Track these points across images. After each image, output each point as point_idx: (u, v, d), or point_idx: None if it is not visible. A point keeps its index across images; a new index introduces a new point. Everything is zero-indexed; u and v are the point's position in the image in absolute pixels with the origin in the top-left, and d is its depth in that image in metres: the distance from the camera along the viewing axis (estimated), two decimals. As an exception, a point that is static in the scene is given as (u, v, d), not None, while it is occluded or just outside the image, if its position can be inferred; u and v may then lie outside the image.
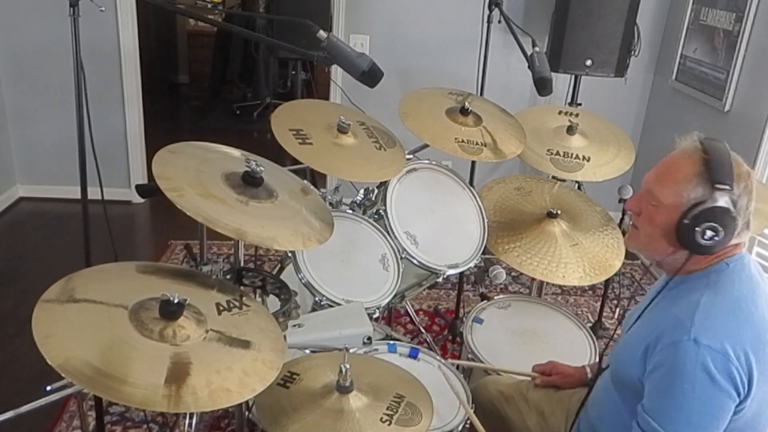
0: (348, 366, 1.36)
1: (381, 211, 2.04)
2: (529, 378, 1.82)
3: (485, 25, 2.77)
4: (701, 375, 1.18)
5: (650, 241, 1.36)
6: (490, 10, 2.71)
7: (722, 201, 1.24)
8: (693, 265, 1.32)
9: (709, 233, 1.25)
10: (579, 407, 1.60)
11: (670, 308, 1.30)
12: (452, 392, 1.70)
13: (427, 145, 2.18)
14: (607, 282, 2.83)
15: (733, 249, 1.30)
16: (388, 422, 1.34)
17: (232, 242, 1.73)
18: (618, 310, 3.31)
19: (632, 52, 3.59)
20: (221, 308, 1.31)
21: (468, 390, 1.74)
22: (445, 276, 2.07)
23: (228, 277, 1.61)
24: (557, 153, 2.33)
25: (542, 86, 2.24)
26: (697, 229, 1.25)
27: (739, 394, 1.21)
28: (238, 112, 6.15)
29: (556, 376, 1.77)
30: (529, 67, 2.28)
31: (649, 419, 1.24)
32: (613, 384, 1.42)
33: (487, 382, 1.86)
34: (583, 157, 2.33)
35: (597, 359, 1.97)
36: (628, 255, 2.23)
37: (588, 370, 1.74)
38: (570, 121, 2.41)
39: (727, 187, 1.24)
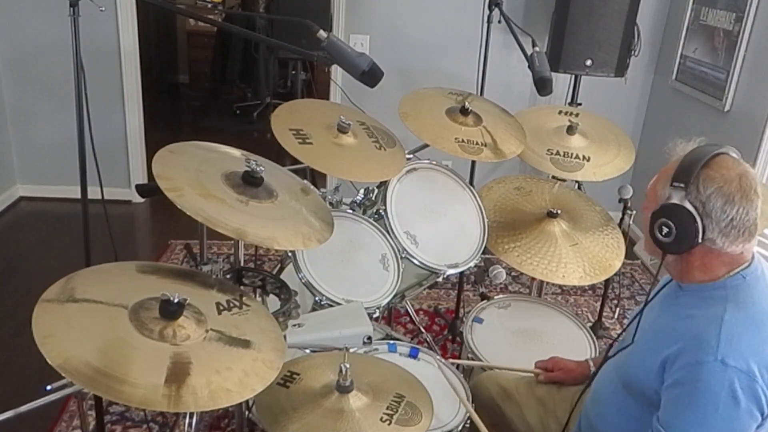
0: (348, 366, 1.36)
1: (381, 210, 2.04)
2: (531, 375, 1.82)
3: (485, 25, 2.77)
4: (726, 396, 1.18)
5: (646, 242, 1.37)
6: (490, 10, 2.71)
7: (675, 198, 1.26)
8: (701, 274, 1.31)
9: (664, 229, 1.28)
10: (576, 401, 1.60)
11: (687, 320, 1.29)
12: (452, 390, 1.70)
13: (427, 145, 2.18)
14: (607, 282, 2.83)
15: (739, 258, 1.29)
16: (388, 422, 1.34)
17: (232, 242, 1.73)
18: (618, 310, 3.31)
19: (632, 52, 3.59)
20: (221, 308, 1.31)
21: (468, 389, 1.74)
22: (445, 276, 2.07)
23: (228, 276, 1.61)
24: (557, 153, 2.33)
25: (542, 86, 2.24)
26: (654, 225, 1.30)
27: (762, 413, 1.21)
28: (238, 112, 6.15)
29: (559, 372, 1.77)
30: (529, 67, 2.28)
31: None
32: (624, 387, 1.41)
33: (486, 378, 1.86)
34: (583, 157, 2.33)
35: (600, 356, 1.97)
36: (628, 255, 2.24)
37: (591, 364, 1.74)
38: (570, 121, 2.41)
39: (680, 185, 1.26)
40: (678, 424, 1.22)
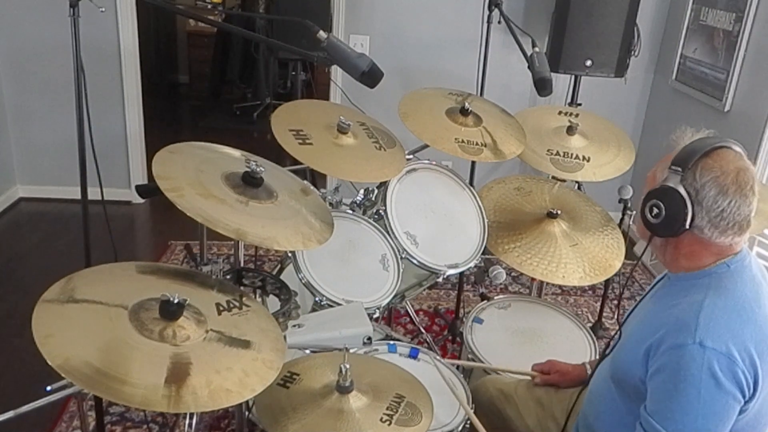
0: (348, 366, 1.36)
1: (381, 211, 2.04)
2: (528, 377, 1.82)
3: (485, 25, 2.77)
4: (707, 379, 1.18)
5: (638, 225, 1.38)
6: (490, 11, 2.71)
7: (671, 181, 1.27)
8: (688, 261, 1.32)
9: (654, 210, 1.29)
10: (574, 401, 1.60)
11: (671, 309, 1.30)
12: (452, 394, 1.70)
13: (427, 145, 2.18)
14: (607, 282, 2.83)
15: (728, 250, 1.29)
16: (388, 422, 1.34)
17: (232, 242, 1.73)
18: (618, 310, 3.31)
19: (632, 52, 3.59)
20: (221, 308, 1.31)
21: (468, 390, 1.74)
22: (445, 276, 2.07)
23: (228, 277, 1.61)
24: (557, 153, 2.33)
25: (542, 86, 2.24)
26: (645, 205, 1.31)
27: (744, 396, 1.21)
28: (238, 112, 6.15)
29: (555, 375, 1.77)
30: (529, 67, 2.28)
31: (652, 422, 1.24)
32: (613, 382, 1.42)
33: (486, 381, 1.86)
34: (583, 157, 2.33)
35: (597, 358, 1.97)
36: (628, 255, 2.23)
37: (588, 367, 1.74)
38: (570, 121, 2.41)
39: (677, 169, 1.26)
40: (663, 410, 1.23)
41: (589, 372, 1.72)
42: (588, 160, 2.33)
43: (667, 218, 1.27)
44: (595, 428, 1.49)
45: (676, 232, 1.28)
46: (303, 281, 1.84)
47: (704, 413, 1.19)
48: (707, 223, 1.25)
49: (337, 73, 3.78)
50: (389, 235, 2.01)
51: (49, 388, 1.30)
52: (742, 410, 1.23)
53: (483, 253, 2.13)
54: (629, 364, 1.34)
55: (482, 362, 1.94)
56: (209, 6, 6.56)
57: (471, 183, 2.57)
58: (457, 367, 1.89)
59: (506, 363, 1.93)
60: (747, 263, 1.31)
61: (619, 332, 1.47)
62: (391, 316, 2.72)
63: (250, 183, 1.48)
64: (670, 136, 1.37)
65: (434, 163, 2.23)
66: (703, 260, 1.31)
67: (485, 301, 2.23)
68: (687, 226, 1.26)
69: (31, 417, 1.32)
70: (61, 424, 2.33)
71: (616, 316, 3.23)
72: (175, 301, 1.18)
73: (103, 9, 2.01)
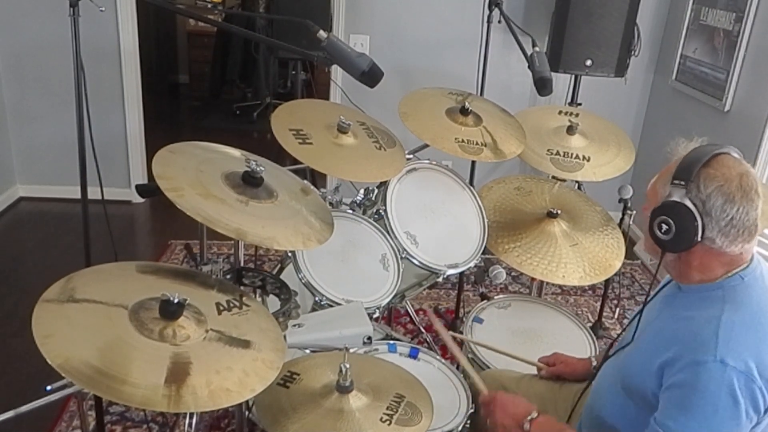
0: (348, 366, 1.36)
1: (381, 210, 2.04)
2: (533, 370, 1.82)
3: (485, 25, 2.77)
4: (725, 397, 1.18)
5: (646, 241, 1.37)
6: (490, 10, 2.71)
7: (676, 196, 1.26)
8: (700, 274, 1.31)
9: (664, 227, 1.28)
10: (579, 396, 1.60)
11: (686, 322, 1.28)
12: (453, 386, 1.70)
13: (427, 145, 2.19)
14: (607, 282, 2.83)
15: (739, 259, 1.29)
16: (388, 422, 1.34)
17: (232, 242, 1.73)
18: (618, 310, 3.31)
19: (632, 52, 3.59)
20: (221, 308, 1.31)
21: (468, 389, 1.74)
22: (445, 276, 2.07)
23: (228, 277, 1.61)
24: (557, 153, 2.33)
25: (542, 86, 2.24)
26: (654, 222, 1.30)
27: (758, 413, 1.21)
28: (238, 112, 6.15)
29: (561, 366, 1.77)
30: (529, 67, 2.28)
31: None
32: (623, 389, 1.41)
33: (488, 377, 1.86)
34: (583, 157, 2.33)
35: (603, 353, 1.96)
36: (628, 255, 2.24)
37: (594, 361, 1.74)
38: (570, 121, 2.41)
39: (680, 183, 1.26)
40: (675, 424, 1.22)
41: (595, 365, 1.71)
42: (588, 160, 2.33)
43: (678, 233, 1.26)
44: (598, 429, 1.48)
45: (688, 246, 1.27)
46: (303, 281, 1.84)
47: (718, 430, 1.19)
48: (718, 233, 1.24)
49: (337, 72, 3.78)
50: (389, 234, 2.01)
51: (49, 387, 1.30)
52: (755, 425, 1.22)
53: (483, 253, 2.13)
54: (641, 374, 1.33)
55: (483, 362, 1.94)
56: (209, 6, 6.56)
57: (471, 183, 2.57)
58: (457, 367, 1.89)
59: (506, 363, 1.93)
60: (759, 274, 1.30)
61: (632, 335, 1.44)
62: (391, 316, 2.72)
63: (250, 183, 1.48)
64: (665, 149, 1.36)
65: (434, 162, 2.23)
66: (715, 271, 1.30)
67: (485, 301, 2.22)
68: (699, 239, 1.26)
69: (31, 417, 1.32)
70: (61, 424, 2.33)
71: (616, 316, 3.23)
72: (175, 300, 1.18)
73: (103, 9, 2.01)
